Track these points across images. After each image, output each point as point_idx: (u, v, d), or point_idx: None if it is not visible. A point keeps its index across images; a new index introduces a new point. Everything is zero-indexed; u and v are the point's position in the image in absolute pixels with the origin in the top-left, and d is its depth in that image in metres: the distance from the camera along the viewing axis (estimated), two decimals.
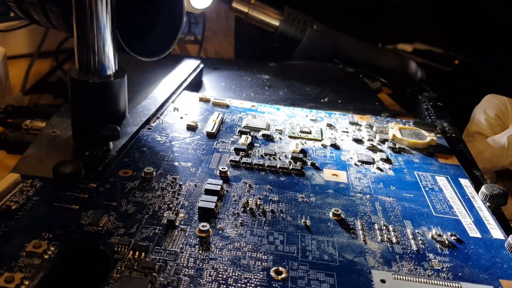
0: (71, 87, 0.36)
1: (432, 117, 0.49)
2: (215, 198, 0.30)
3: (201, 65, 0.56)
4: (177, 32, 0.40)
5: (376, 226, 0.29)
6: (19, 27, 0.65)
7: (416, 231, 0.29)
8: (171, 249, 0.25)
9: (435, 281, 0.25)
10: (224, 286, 0.23)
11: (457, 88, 0.72)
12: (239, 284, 0.23)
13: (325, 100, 0.53)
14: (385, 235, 0.29)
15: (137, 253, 0.25)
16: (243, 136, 0.40)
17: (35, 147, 0.36)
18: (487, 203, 0.33)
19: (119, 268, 0.23)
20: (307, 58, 0.66)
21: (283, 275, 0.24)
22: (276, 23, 0.66)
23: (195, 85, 0.54)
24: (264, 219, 0.29)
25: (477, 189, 0.35)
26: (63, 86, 0.59)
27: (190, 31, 0.88)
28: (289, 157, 0.37)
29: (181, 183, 0.32)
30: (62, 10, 0.37)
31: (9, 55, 0.62)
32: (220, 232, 0.27)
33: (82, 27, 0.34)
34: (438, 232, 0.29)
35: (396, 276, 0.25)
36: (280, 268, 0.25)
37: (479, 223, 0.31)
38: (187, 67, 0.54)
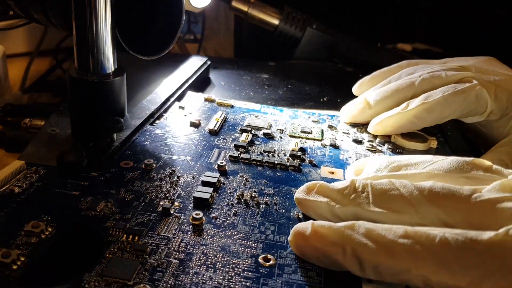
0: (70, 86, 0.36)
1: None
2: (210, 190, 0.31)
3: (208, 62, 0.57)
4: (177, 31, 0.40)
5: None
6: (18, 26, 0.63)
7: None
8: (164, 234, 0.26)
9: None
10: (212, 269, 0.24)
11: None
12: (226, 269, 0.24)
13: (325, 99, 0.53)
14: None
15: (130, 236, 0.26)
16: (244, 134, 0.40)
17: (34, 145, 0.36)
18: None
19: (112, 249, 0.24)
20: (306, 57, 0.67)
21: (271, 262, 0.25)
22: (275, 22, 0.66)
23: (202, 82, 0.55)
24: (257, 210, 0.30)
25: None
26: (62, 84, 0.58)
27: (190, 30, 0.87)
28: (288, 154, 0.38)
29: (179, 175, 0.33)
30: (61, 9, 0.37)
31: (8, 54, 0.61)
32: (213, 220, 0.28)
33: (81, 25, 0.34)
34: None
35: None
36: (268, 255, 0.25)
37: None
38: (194, 64, 0.54)
